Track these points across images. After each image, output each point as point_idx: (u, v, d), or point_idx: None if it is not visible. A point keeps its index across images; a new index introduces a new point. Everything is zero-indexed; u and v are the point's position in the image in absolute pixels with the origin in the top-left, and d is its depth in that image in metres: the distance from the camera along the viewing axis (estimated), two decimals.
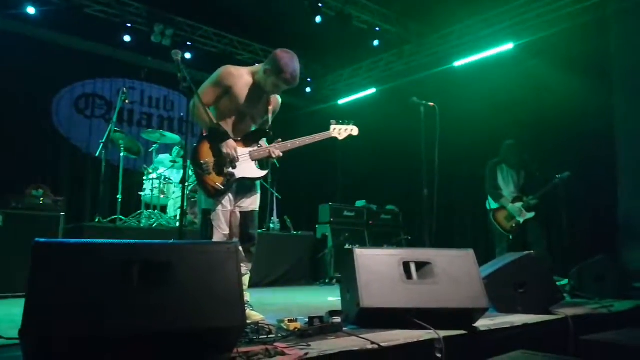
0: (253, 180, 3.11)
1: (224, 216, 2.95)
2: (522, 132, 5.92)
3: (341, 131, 3.32)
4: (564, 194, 5.00)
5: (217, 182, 2.94)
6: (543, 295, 3.29)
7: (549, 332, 2.93)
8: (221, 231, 2.93)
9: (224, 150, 2.94)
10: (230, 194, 2.99)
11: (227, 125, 3.02)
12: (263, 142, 3.15)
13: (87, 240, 1.99)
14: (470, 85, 7.08)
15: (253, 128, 3.15)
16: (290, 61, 2.93)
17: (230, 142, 2.97)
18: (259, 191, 3.18)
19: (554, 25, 6.36)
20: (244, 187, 3.06)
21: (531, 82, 6.47)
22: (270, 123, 3.18)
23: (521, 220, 5.14)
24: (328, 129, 3.30)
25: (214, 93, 2.99)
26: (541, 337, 2.84)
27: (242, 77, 3.01)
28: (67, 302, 1.71)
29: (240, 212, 3.04)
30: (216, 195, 2.94)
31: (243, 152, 3.02)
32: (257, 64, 3.12)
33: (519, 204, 5.19)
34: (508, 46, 6.83)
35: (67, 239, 2.05)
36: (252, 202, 3.11)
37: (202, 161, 2.94)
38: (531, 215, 5.15)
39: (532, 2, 6.57)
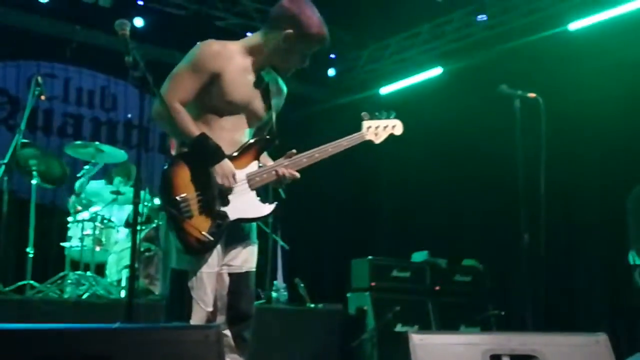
0: (255, 221, 3.17)
1: (210, 282, 2.97)
2: None
3: (378, 130, 3.37)
4: None
5: (204, 229, 2.96)
6: None
7: None
8: (204, 307, 2.94)
9: (218, 178, 2.99)
10: (219, 246, 3.01)
11: (212, 135, 3.05)
12: (265, 157, 3.21)
13: None
14: (597, 61, 7.08)
15: (248, 136, 3.20)
16: (311, 8, 3.11)
17: (226, 163, 3.01)
18: (256, 240, 3.22)
19: None
20: (237, 234, 3.10)
21: None
22: (274, 126, 3.25)
23: None
24: (360, 129, 3.35)
25: (194, 84, 3.03)
26: None
27: (232, 58, 3.08)
28: None
29: (230, 275, 3.07)
30: (201, 251, 2.96)
31: (238, 176, 3.06)
32: (247, 36, 3.20)
33: None
34: None
35: None
36: (247, 258, 3.14)
37: (178, 197, 2.96)
38: None
39: None
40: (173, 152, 3.12)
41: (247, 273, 3.13)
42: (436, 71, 8.89)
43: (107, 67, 8.21)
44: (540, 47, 7.61)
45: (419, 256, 7.52)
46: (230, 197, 3.03)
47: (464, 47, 8.57)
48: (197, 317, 2.92)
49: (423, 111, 8.69)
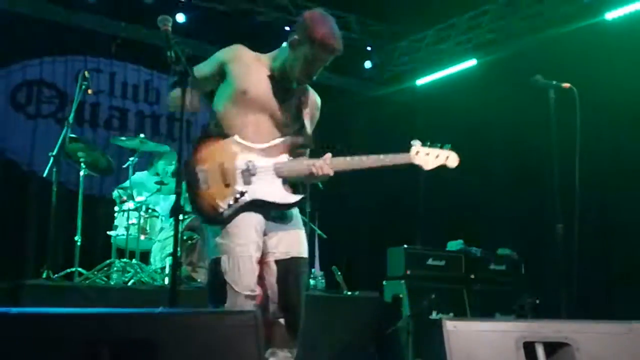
0: (280, 207, 3.18)
1: (244, 266, 3.00)
2: None
3: (429, 157, 3.30)
4: None
5: (219, 199, 3.02)
6: None
7: None
8: (239, 290, 2.96)
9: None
10: (255, 231, 3.06)
11: (240, 128, 3.15)
12: (304, 156, 3.28)
13: (30, 309, 2.08)
14: (636, 49, 6.94)
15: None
16: (324, 18, 3.09)
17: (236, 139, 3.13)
18: (301, 226, 3.28)
19: None
20: (276, 221, 3.16)
21: None
22: (310, 133, 3.29)
23: None
24: (408, 148, 3.30)
25: (208, 72, 3.21)
26: None
27: (253, 62, 3.22)
28: None
29: (276, 262, 3.11)
30: (215, 219, 3.03)
31: (265, 163, 3.14)
32: (286, 30, 3.26)
33: None
34: None
35: None
36: (293, 244, 3.18)
37: (197, 169, 3.06)
38: None
39: None
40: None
41: (292, 259, 3.15)
42: (471, 62, 8.85)
43: (151, 61, 8.27)
44: (576, 37, 7.51)
45: (454, 245, 7.49)
46: (253, 178, 3.09)
47: (499, 38, 8.49)
48: (231, 301, 2.95)
49: (458, 102, 8.67)
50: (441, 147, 3.33)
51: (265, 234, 3.12)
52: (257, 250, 3.05)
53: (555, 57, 7.19)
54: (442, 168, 3.34)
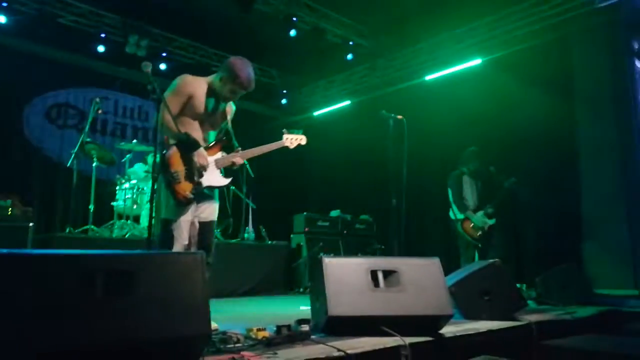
0: (218, 188, 3.13)
1: (185, 227, 2.94)
2: (488, 145, 6.01)
3: (292, 140, 3.39)
4: (518, 200, 5.14)
5: (187, 190, 2.94)
6: (507, 302, 3.35)
7: (512, 337, 2.98)
8: (182, 241, 2.91)
9: (196, 160, 2.96)
10: (193, 205, 2.99)
11: (191, 132, 3.02)
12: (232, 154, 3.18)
13: (46, 250, 1.94)
14: (440, 99, 7.21)
15: (212, 135, 3.20)
16: (244, 66, 2.99)
17: (202, 151, 3.00)
18: (217, 201, 3.19)
19: (521, 42, 6.53)
20: (204, 197, 3.07)
21: (498, 97, 6.62)
22: (231, 131, 3.21)
23: (485, 227, 5.25)
24: (281, 138, 3.37)
25: (178, 102, 3.00)
26: (505, 343, 2.89)
27: (200, 86, 3.05)
28: (25, 315, 1.66)
29: (199, 223, 3.03)
30: (185, 204, 2.94)
31: (209, 160, 3.05)
32: (213, 75, 3.14)
33: (480, 213, 5.32)
34: (476, 61, 6.98)
35: (22, 249, 1.98)
36: (211, 213, 3.11)
37: (172, 170, 2.93)
38: (492, 222, 5.28)
39: (500, 19, 6.74)
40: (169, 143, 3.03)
41: (211, 222, 3.09)
42: (346, 103, 8.96)
43: (142, 93, 7.85)
44: (408, 89, 7.71)
45: (334, 213, 7.57)
46: (204, 172, 3.01)
47: (362, 88, 8.60)
48: (177, 249, 2.89)
49: (338, 126, 8.78)
50: (298, 133, 3.40)
51: (197, 204, 3.02)
52: (191, 217, 2.98)
53: (396, 101, 7.34)
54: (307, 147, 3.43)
